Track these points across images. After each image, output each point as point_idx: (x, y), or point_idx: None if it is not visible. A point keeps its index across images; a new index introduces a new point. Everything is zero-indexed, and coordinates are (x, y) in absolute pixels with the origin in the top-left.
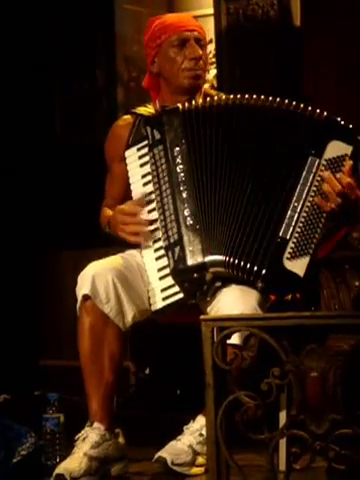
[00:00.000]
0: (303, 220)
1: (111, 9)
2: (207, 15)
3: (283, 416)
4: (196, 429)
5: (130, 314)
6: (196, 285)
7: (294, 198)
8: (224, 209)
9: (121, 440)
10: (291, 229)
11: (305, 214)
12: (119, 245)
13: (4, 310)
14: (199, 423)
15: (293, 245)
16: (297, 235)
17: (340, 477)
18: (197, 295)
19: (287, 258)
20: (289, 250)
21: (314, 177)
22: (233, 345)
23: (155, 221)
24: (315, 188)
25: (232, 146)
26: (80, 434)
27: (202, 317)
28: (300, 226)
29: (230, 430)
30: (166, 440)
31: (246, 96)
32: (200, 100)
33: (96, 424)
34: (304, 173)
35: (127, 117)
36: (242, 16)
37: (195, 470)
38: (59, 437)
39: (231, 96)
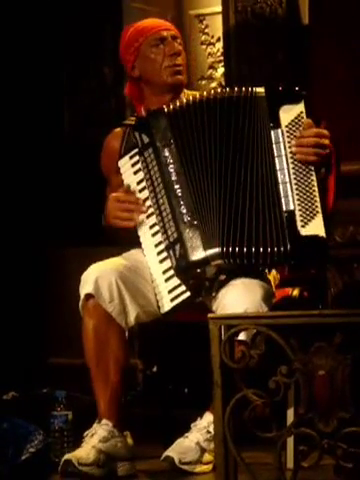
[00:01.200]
0: (296, 186)
1: (119, 7)
2: (215, 13)
3: (291, 414)
4: (203, 426)
5: (133, 314)
6: (201, 281)
7: (278, 172)
8: (219, 201)
9: (130, 441)
10: (290, 199)
11: (295, 181)
12: (123, 244)
13: (11, 308)
14: (206, 420)
15: (300, 212)
16: (298, 202)
17: (348, 475)
18: (203, 292)
19: (302, 226)
20: (299, 218)
21: (284, 146)
22: (241, 342)
23: (154, 224)
24: (291, 154)
25: (213, 140)
26: (88, 431)
27: (210, 315)
28: (297, 193)
29: (238, 428)
30: (173, 438)
31: (206, 92)
32: (184, 99)
33: (104, 421)
34: (274, 146)
35: (118, 130)
36: (250, 14)
37: (202, 468)
38: (67, 434)
39: (199, 94)
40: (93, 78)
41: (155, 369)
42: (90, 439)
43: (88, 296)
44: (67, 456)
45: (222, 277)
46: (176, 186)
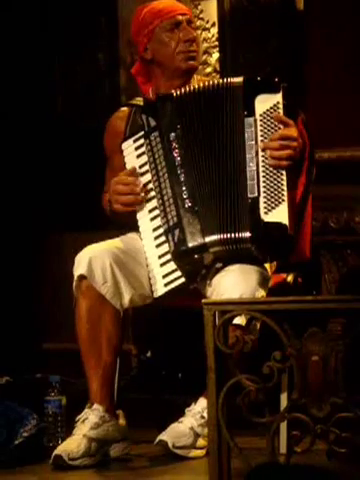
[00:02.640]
0: (263, 174)
1: None
2: None
3: (284, 399)
4: (197, 411)
5: (127, 296)
6: (198, 267)
7: (247, 159)
8: (213, 188)
9: (122, 421)
10: (256, 186)
11: (263, 169)
12: (119, 228)
13: (5, 294)
14: (200, 405)
15: (265, 199)
16: (264, 189)
17: (340, 460)
18: (198, 278)
19: (265, 212)
20: (263, 205)
21: (256, 134)
22: (236, 326)
23: (154, 208)
24: (262, 143)
25: (209, 128)
26: (80, 416)
27: (204, 301)
28: (263, 180)
29: (231, 413)
30: (167, 423)
31: (192, 85)
32: (195, 84)
33: (96, 405)
34: (246, 134)
35: (123, 109)
36: None
37: (196, 452)
38: (61, 419)
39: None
40: (87, 63)
41: (149, 354)
42: (81, 426)
43: (81, 277)
44: (57, 451)
45: (219, 265)
46: (179, 171)
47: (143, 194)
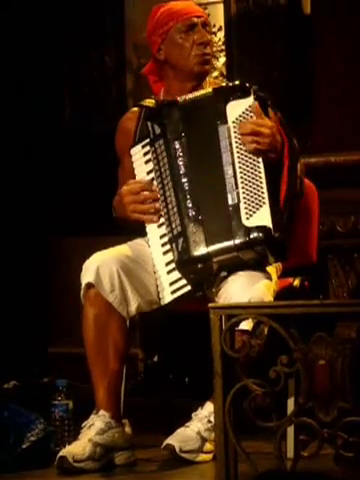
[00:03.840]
0: (241, 180)
1: None
2: (217, 2)
3: (291, 404)
4: (204, 416)
5: (134, 304)
6: (202, 276)
7: (224, 167)
8: (212, 198)
9: (128, 430)
10: (235, 193)
11: (240, 174)
12: (127, 233)
13: (13, 298)
14: (207, 409)
15: (245, 205)
16: (244, 194)
17: (348, 464)
18: (204, 287)
19: (246, 218)
20: (244, 211)
21: (230, 141)
22: (243, 331)
23: (160, 216)
24: (237, 149)
25: (207, 137)
26: (86, 422)
27: (211, 305)
28: (242, 186)
29: (238, 417)
30: (174, 427)
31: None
32: (207, 87)
33: (102, 412)
34: (221, 143)
35: (134, 109)
36: (252, 3)
37: (203, 457)
38: (68, 423)
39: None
40: (94, 67)
41: (156, 359)
42: (87, 431)
43: (89, 285)
44: (62, 452)
45: (223, 274)
46: (184, 179)
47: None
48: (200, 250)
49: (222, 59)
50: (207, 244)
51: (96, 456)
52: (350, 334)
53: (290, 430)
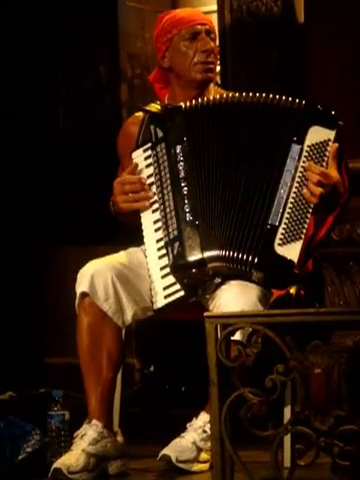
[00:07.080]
0: (291, 206)
1: (115, 6)
2: (211, 12)
3: (287, 412)
4: (199, 426)
5: (129, 312)
6: (196, 281)
7: (280, 185)
8: (221, 204)
9: (120, 439)
10: (279, 216)
11: (292, 200)
12: (123, 243)
13: (8, 308)
14: (202, 420)
15: (283, 231)
16: (286, 221)
17: (345, 473)
18: (198, 292)
19: (278, 244)
20: (280, 236)
21: (298, 163)
22: (236, 342)
23: (158, 220)
24: (301, 174)
25: (228, 142)
26: (78, 431)
27: (206, 314)
28: (289, 212)
29: (234, 426)
30: (170, 437)
31: (237, 94)
32: (210, 96)
33: (94, 421)
34: (288, 160)
35: (138, 114)
36: (246, 12)
37: (200, 466)
38: (64, 434)
39: (225, 94)
40: (88, 77)
41: (152, 368)
42: (80, 441)
43: (83, 294)
44: (56, 464)
45: (217, 280)
46: (183, 184)
47: (145, 192)
48: (195, 255)
49: (217, 68)
50: (203, 249)
51: (90, 467)
52: (346, 342)
53: (286, 439)
